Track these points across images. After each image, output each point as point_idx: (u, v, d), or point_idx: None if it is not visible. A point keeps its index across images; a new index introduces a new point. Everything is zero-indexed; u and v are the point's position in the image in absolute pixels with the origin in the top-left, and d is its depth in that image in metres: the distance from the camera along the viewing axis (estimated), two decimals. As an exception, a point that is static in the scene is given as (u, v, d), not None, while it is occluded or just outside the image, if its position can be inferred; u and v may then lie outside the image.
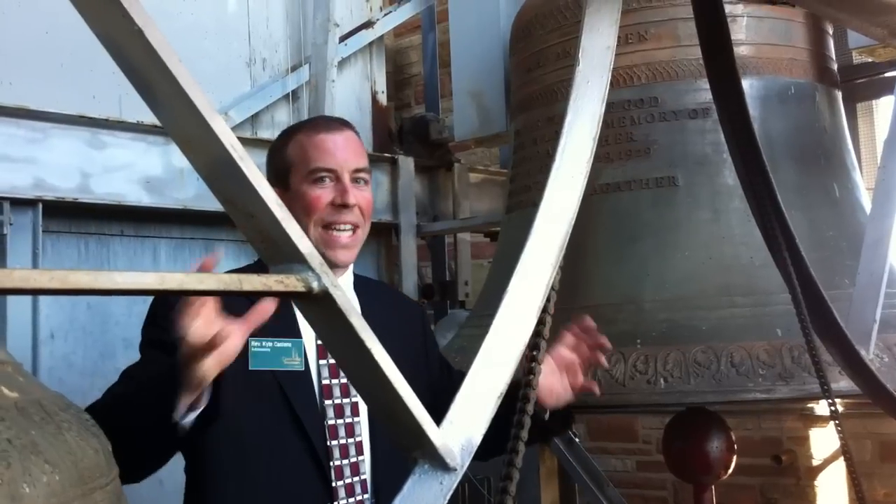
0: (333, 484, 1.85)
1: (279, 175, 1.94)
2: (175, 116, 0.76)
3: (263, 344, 1.80)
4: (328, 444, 1.86)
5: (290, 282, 0.77)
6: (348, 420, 1.90)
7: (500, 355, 0.95)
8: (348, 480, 1.87)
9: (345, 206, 1.90)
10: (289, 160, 1.93)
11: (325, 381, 1.90)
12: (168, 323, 1.78)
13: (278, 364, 1.84)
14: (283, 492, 1.83)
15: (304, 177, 1.90)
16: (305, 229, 1.82)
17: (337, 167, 1.91)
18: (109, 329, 2.70)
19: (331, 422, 1.88)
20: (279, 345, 1.83)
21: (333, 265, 1.94)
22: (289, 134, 2.00)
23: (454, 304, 3.70)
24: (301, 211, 1.88)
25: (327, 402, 1.89)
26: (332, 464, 1.85)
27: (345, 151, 1.94)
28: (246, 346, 1.78)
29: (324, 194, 1.89)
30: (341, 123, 2.01)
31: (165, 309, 1.80)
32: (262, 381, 1.82)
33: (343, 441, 1.89)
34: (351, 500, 1.86)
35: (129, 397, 1.64)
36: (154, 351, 1.79)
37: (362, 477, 1.89)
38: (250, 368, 1.80)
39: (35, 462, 0.81)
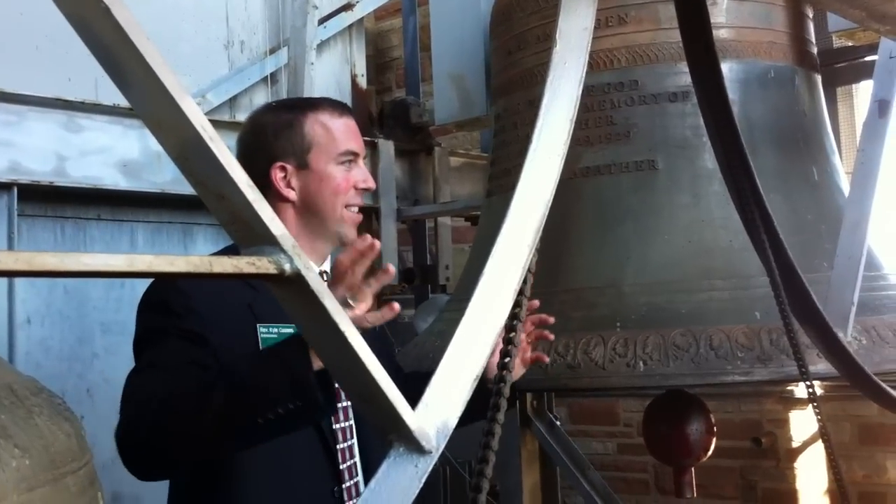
0: (341, 466, 1.90)
1: (296, 152, 1.93)
2: (144, 97, 0.75)
3: (271, 330, 1.83)
4: (334, 427, 1.91)
5: (261, 264, 0.76)
6: (343, 404, 1.94)
7: (476, 338, 0.94)
8: (349, 462, 1.92)
9: (367, 189, 2.00)
10: (310, 139, 1.93)
11: None
12: (190, 313, 1.78)
13: None
14: (300, 476, 1.85)
15: (333, 158, 1.94)
16: (331, 208, 1.93)
17: (359, 151, 1.99)
18: (87, 313, 2.68)
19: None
20: (284, 330, 1.84)
21: (348, 242, 2.02)
22: (301, 111, 1.98)
23: (435, 288, 3.69)
24: (329, 191, 1.93)
25: None
26: (338, 447, 1.90)
27: (361, 137, 2.02)
28: (256, 333, 1.80)
29: (352, 177, 1.96)
30: (349, 108, 2.07)
31: (183, 298, 1.80)
32: None
33: (343, 425, 1.93)
34: (352, 482, 1.92)
35: (230, 382, 1.63)
36: (180, 341, 1.76)
37: (355, 459, 1.94)
38: None
39: (4, 447, 0.80)
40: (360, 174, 1.98)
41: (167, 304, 1.81)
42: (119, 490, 2.55)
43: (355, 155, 1.97)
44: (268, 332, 1.83)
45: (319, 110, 1.97)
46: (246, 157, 1.94)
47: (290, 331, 1.83)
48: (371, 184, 2.00)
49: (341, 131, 1.97)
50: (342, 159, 1.95)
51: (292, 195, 1.92)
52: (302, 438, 1.85)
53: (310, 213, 1.93)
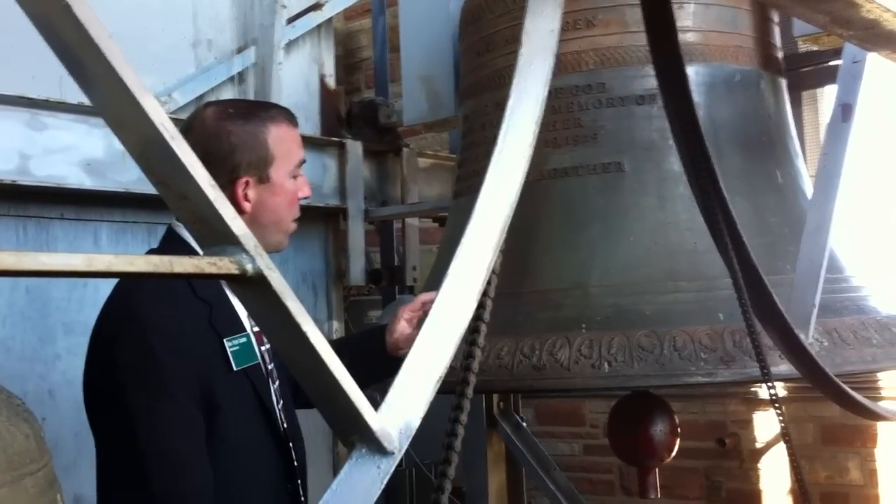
0: (295, 463, 1.92)
1: (258, 166, 1.89)
2: (105, 95, 0.74)
3: (232, 341, 1.82)
4: (285, 426, 1.92)
5: (223, 264, 0.76)
6: (281, 404, 1.96)
7: (440, 339, 0.94)
8: (296, 462, 1.94)
9: (305, 198, 2.00)
10: (272, 152, 1.90)
11: (269, 366, 1.93)
12: (174, 355, 1.74)
13: (252, 358, 1.86)
14: (264, 476, 1.87)
15: (290, 171, 1.93)
16: (282, 219, 1.93)
17: (304, 159, 2.00)
18: (49, 314, 2.65)
19: (278, 405, 1.92)
20: (241, 340, 1.84)
21: (281, 249, 2.01)
22: (262, 122, 1.92)
23: (402, 289, 3.69)
24: (284, 203, 1.93)
25: (273, 386, 1.93)
26: (290, 444, 1.92)
27: None
28: (224, 349, 1.79)
29: (300, 188, 1.97)
30: (294, 116, 2.04)
31: (166, 339, 1.75)
32: (239, 378, 1.84)
33: (286, 424, 1.94)
34: (299, 480, 1.93)
35: None
36: (181, 423, 1.75)
37: (297, 457, 1.96)
38: (236, 369, 1.81)
39: (-40, 448, 0.79)
40: (304, 183, 1.99)
41: (152, 350, 1.74)
42: (81, 492, 2.52)
43: (302, 163, 1.98)
44: (232, 345, 1.82)
45: (278, 121, 1.94)
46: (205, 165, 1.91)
47: (243, 341, 1.84)
48: (309, 192, 2.02)
49: (297, 143, 1.97)
50: (296, 171, 1.95)
51: (248, 207, 1.89)
52: (264, 439, 1.86)
53: (256, 224, 1.86)
